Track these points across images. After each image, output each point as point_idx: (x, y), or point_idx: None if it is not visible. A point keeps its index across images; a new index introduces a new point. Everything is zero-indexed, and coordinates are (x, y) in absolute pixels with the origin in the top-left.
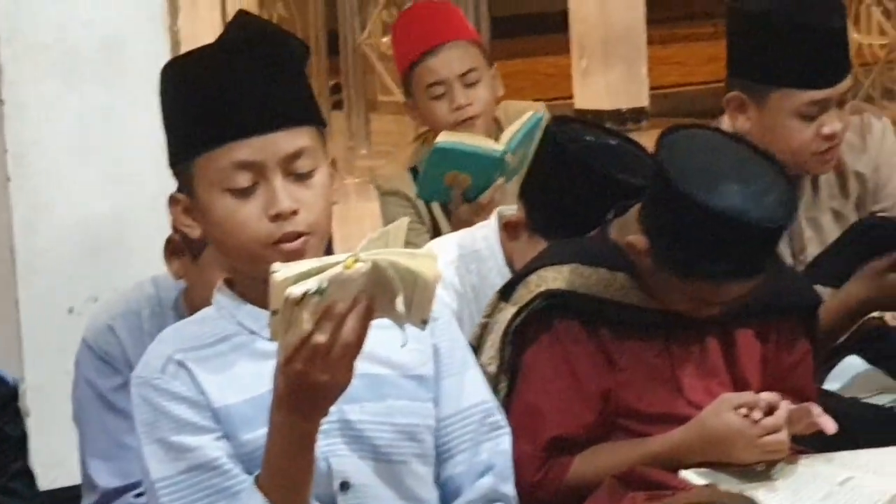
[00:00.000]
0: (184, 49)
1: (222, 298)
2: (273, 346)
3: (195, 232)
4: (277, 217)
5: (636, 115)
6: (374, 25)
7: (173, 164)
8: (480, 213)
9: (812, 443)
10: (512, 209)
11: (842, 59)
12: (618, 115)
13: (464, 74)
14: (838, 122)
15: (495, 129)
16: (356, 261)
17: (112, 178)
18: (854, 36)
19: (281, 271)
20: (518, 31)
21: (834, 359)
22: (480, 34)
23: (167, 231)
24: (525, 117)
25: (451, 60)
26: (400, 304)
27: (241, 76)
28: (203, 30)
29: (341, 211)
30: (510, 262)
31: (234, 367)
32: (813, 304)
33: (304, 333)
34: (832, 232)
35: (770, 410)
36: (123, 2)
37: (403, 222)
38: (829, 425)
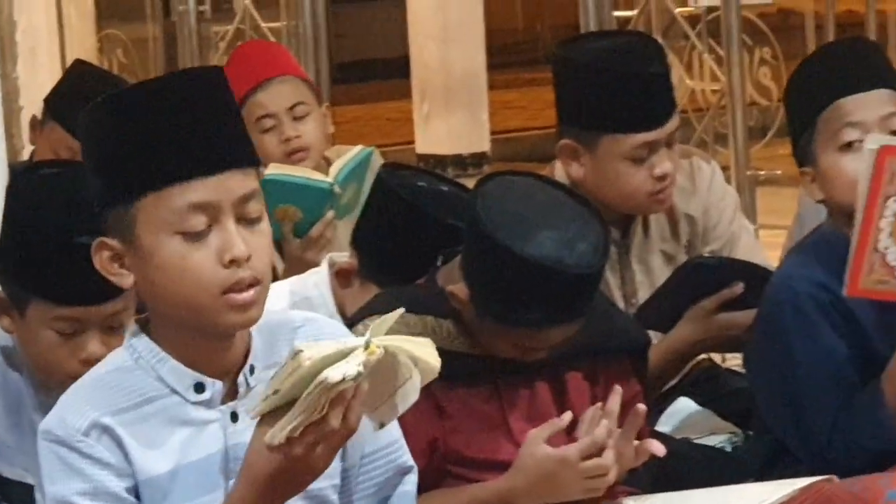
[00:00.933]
0: (23, 96)
1: (139, 345)
2: (203, 414)
3: (125, 280)
4: (232, 262)
5: (477, 159)
6: None
7: (104, 205)
8: (311, 248)
9: (644, 484)
10: (344, 256)
11: (666, 101)
12: (459, 160)
13: (292, 107)
14: (668, 163)
15: (326, 168)
16: (371, 346)
17: None
18: (687, 82)
19: (306, 352)
20: (360, 77)
21: (665, 401)
22: (321, 78)
23: None
24: (354, 150)
25: (279, 94)
26: (403, 390)
27: (193, 113)
28: (42, 77)
29: None
30: (342, 310)
31: (160, 433)
32: (642, 345)
33: (316, 418)
34: (663, 274)
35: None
36: None
37: (399, 311)
38: (658, 448)
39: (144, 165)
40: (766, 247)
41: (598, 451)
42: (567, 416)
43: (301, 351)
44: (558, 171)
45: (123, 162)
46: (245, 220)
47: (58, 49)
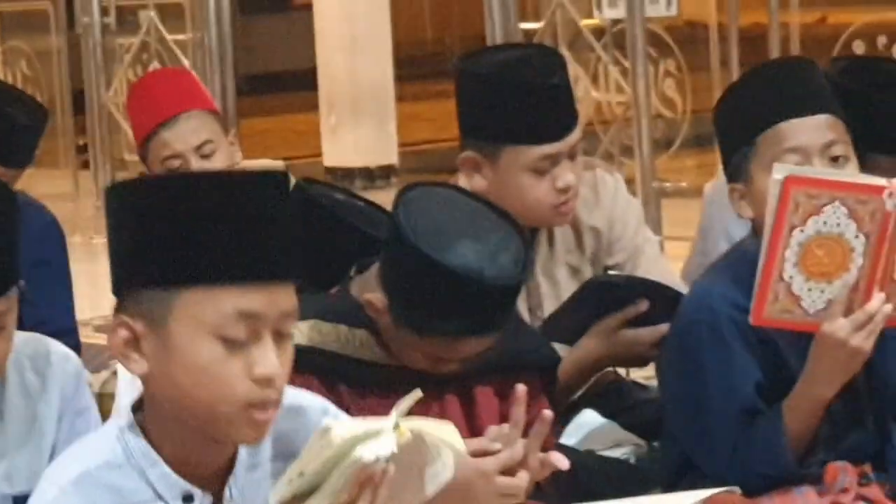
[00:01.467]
0: None
1: (132, 443)
2: None
3: (136, 367)
4: (263, 380)
5: (385, 172)
6: (120, 83)
7: (138, 283)
8: None
9: (551, 498)
10: None
11: (567, 113)
12: (367, 173)
13: (199, 146)
14: (571, 175)
15: None
16: (401, 428)
17: None
18: (593, 94)
19: (336, 430)
20: (267, 89)
21: (570, 413)
22: (227, 92)
23: None
24: None
25: (185, 133)
26: (432, 473)
27: (258, 216)
28: None
29: (91, 271)
30: None
31: None
32: (552, 363)
33: (344, 499)
34: (568, 287)
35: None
36: None
37: (417, 392)
38: (562, 461)
39: (200, 256)
40: (672, 258)
41: (515, 468)
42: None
43: (331, 429)
44: (461, 183)
45: (177, 245)
46: (280, 337)
47: None
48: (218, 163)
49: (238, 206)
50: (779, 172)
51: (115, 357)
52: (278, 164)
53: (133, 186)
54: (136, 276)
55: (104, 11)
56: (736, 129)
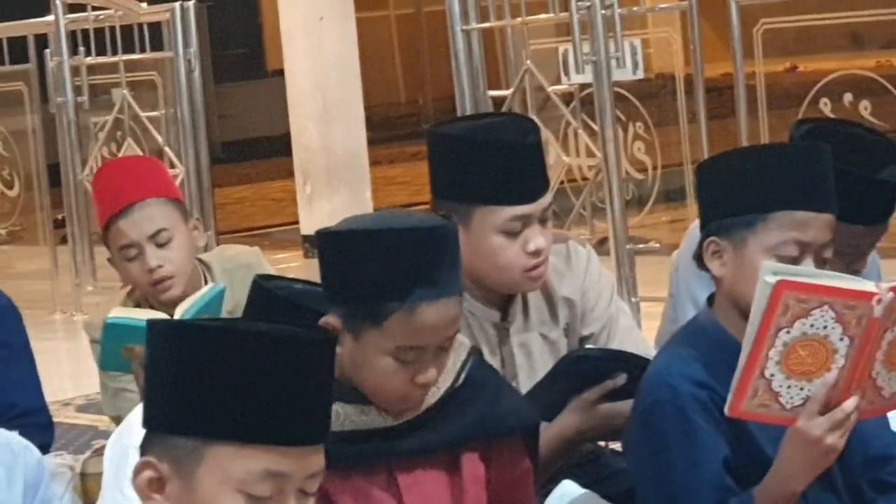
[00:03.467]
0: None
1: None
2: None
3: None
4: None
5: None
6: (95, 160)
7: (169, 428)
8: None
9: None
10: None
11: (539, 175)
12: None
13: (154, 235)
14: (542, 238)
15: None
16: None
17: None
18: (564, 159)
19: None
20: (245, 156)
21: (549, 484)
22: (201, 164)
23: None
24: (204, 290)
25: (140, 222)
26: None
27: (301, 378)
28: None
29: (73, 349)
30: None
31: None
32: (534, 424)
33: None
34: (542, 357)
35: None
36: None
37: None
38: None
39: (240, 413)
40: (649, 317)
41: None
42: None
43: None
44: None
45: (217, 399)
46: (303, 496)
47: None
48: (174, 252)
49: (284, 366)
50: (769, 274)
51: (138, 495)
52: (253, 252)
53: (178, 330)
54: (170, 420)
55: (77, 90)
56: (751, 193)
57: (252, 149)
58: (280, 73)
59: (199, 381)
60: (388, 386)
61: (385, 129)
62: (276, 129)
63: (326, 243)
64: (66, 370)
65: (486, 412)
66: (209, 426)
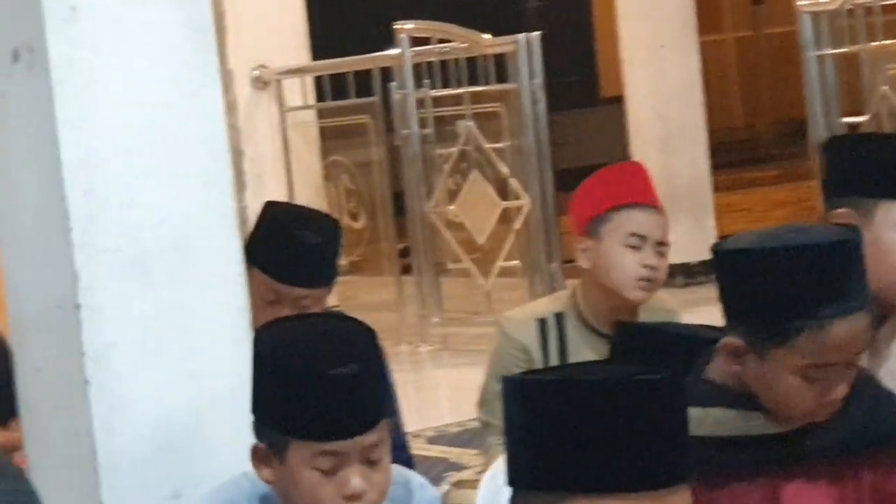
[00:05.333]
0: (252, 224)
1: None
2: None
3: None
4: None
5: (706, 267)
6: (441, 193)
7: (525, 483)
8: None
9: None
10: None
11: None
12: (687, 269)
13: (659, 244)
14: None
15: None
16: None
17: (188, 373)
18: None
19: None
20: (575, 183)
21: None
22: (546, 190)
23: (246, 425)
24: None
25: (657, 224)
26: None
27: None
28: None
29: (416, 379)
30: None
31: None
32: None
33: None
34: None
35: None
36: (193, 203)
37: None
38: None
39: (595, 464)
40: None
41: None
42: None
43: None
44: None
45: (568, 453)
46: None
47: (284, 175)
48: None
49: (623, 413)
50: None
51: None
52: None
53: (522, 386)
54: (529, 477)
55: (422, 122)
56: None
57: (587, 175)
58: (614, 100)
59: (550, 435)
60: (793, 404)
61: (723, 155)
62: (613, 157)
63: (724, 262)
64: (413, 402)
65: (868, 419)
66: (567, 480)
